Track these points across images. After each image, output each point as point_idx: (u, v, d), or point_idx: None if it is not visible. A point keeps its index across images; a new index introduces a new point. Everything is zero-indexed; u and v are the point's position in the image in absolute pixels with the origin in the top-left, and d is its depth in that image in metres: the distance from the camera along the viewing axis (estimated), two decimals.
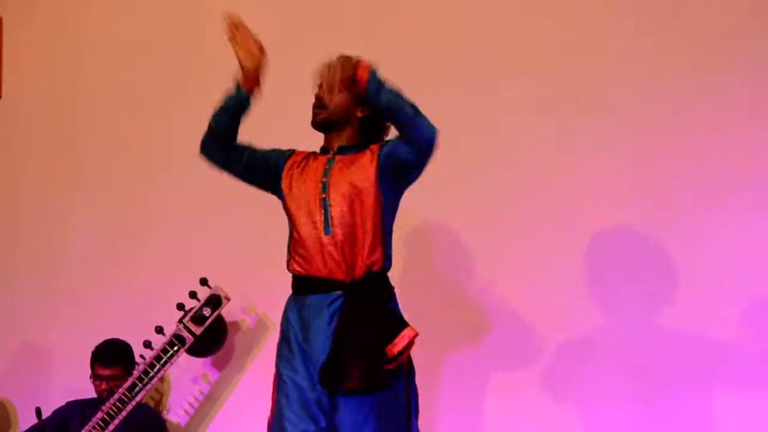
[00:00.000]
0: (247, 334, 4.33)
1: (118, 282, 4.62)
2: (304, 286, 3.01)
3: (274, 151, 3.16)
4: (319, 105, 3.05)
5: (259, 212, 4.13)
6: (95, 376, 4.20)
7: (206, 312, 4.05)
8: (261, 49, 3.02)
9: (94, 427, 4.03)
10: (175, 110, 4.68)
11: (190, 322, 4.05)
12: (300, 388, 2.94)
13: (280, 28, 4.26)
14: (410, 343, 2.90)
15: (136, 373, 4.04)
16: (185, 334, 4.05)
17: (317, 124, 3.09)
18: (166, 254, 4.55)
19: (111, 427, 4.01)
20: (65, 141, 5.00)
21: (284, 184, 3.08)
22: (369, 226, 2.96)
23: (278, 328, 3.73)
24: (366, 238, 2.96)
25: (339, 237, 2.95)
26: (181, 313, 4.06)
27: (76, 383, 4.38)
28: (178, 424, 4.39)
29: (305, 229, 2.99)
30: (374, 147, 3.06)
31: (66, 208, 4.90)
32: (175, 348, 4.05)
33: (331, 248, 2.95)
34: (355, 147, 3.07)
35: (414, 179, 3.04)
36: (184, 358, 4.13)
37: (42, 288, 4.89)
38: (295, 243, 3.03)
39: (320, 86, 2.99)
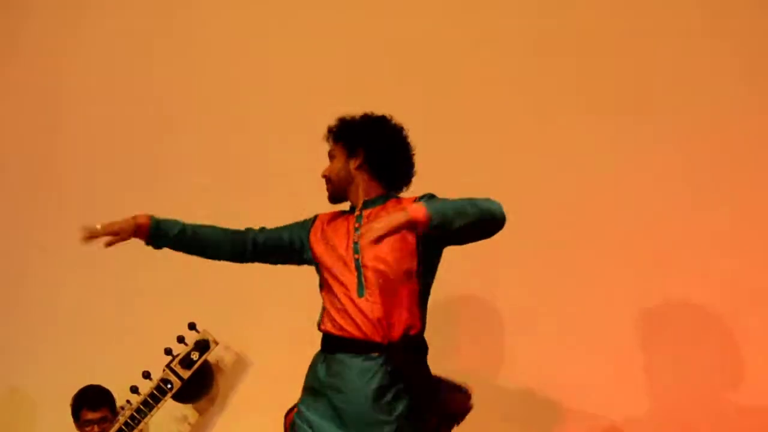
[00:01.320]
0: (227, 375, 4.37)
1: (104, 328, 4.62)
2: (335, 345, 3.01)
3: (293, 225, 3.25)
4: (327, 181, 3.21)
5: None
6: (84, 423, 4.18)
7: (194, 356, 4.09)
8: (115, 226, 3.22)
9: None
10: (159, 156, 4.74)
11: (177, 366, 4.09)
12: None
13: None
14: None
15: (122, 418, 4.05)
16: (172, 378, 4.08)
17: (331, 200, 3.21)
18: (151, 299, 4.56)
19: None
20: (49, 191, 5.01)
21: (316, 251, 3.13)
22: (405, 287, 2.97)
23: (255, 368, 3.95)
24: (402, 300, 2.96)
25: (374, 299, 2.95)
26: (169, 358, 4.07)
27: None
28: None
29: (339, 291, 3.01)
30: (407, 202, 3.05)
31: (49, 255, 4.88)
32: (162, 393, 4.07)
33: (366, 311, 2.95)
34: (380, 197, 3.13)
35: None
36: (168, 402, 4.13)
37: (24, 334, 4.85)
38: (329, 304, 3.04)
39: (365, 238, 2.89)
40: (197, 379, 4.15)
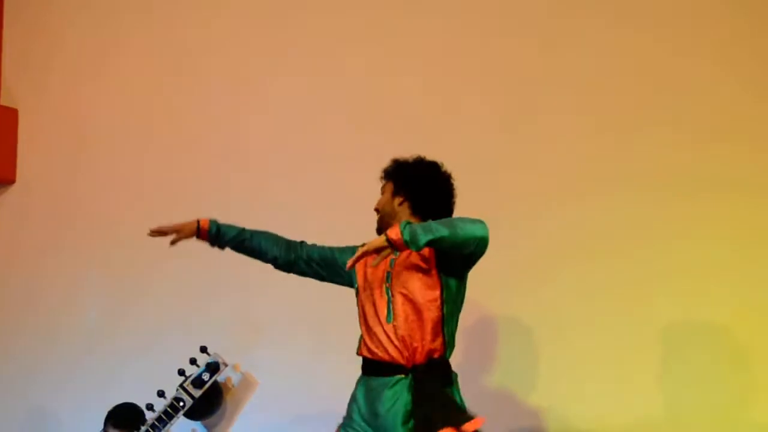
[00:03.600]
0: (233, 393, 4.60)
1: (123, 350, 4.92)
2: (371, 368, 3.24)
3: (345, 248, 3.44)
4: (377, 213, 3.42)
5: (250, 283, 4.54)
6: None
7: (205, 377, 4.35)
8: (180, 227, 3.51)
9: None
10: (175, 190, 5.03)
11: (189, 386, 4.34)
12: None
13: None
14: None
15: None
16: (185, 396, 4.34)
17: (378, 231, 3.36)
18: (168, 323, 4.84)
19: None
20: (73, 221, 5.35)
21: (359, 277, 3.34)
22: (428, 315, 3.18)
23: (262, 387, 4.22)
24: (426, 326, 3.17)
25: (399, 324, 3.18)
26: (182, 378, 4.33)
27: None
28: None
29: (372, 317, 3.24)
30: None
31: (74, 284, 5.22)
32: (175, 410, 4.32)
33: (392, 335, 3.18)
34: None
35: (475, 262, 3.23)
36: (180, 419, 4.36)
37: (50, 356, 5.17)
38: (365, 329, 3.27)
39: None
40: (208, 398, 4.41)
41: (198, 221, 3.52)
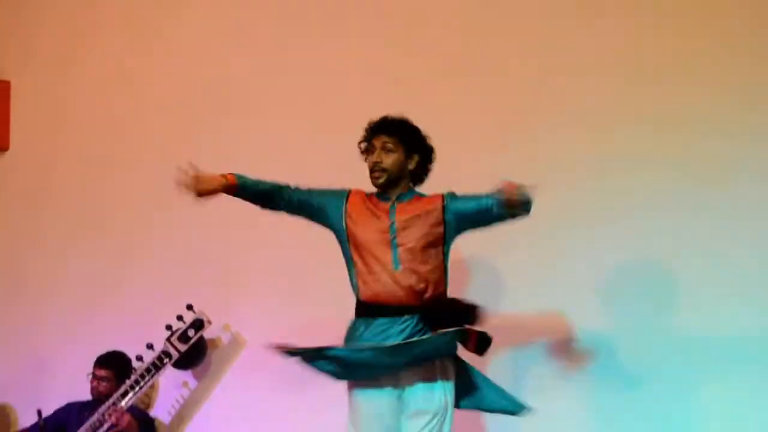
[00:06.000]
0: (223, 350, 4.87)
1: (116, 305, 5.18)
2: (374, 311, 3.39)
3: (327, 192, 3.56)
4: (378, 169, 3.49)
5: (232, 244, 4.87)
6: (93, 375, 4.80)
7: (190, 333, 4.64)
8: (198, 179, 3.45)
9: (91, 426, 4.65)
10: (162, 158, 4.99)
11: (176, 341, 4.65)
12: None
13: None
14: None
15: (129, 381, 4.65)
16: (171, 350, 4.64)
17: (380, 187, 3.51)
18: (156, 281, 5.07)
19: (105, 426, 4.63)
20: (65, 187, 5.59)
21: (350, 226, 3.47)
22: (435, 263, 3.44)
23: (248, 344, 4.47)
24: (432, 272, 3.42)
25: (407, 271, 3.39)
26: (169, 332, 4.65)
27: (74, 393, 4.92)
28: (162, 423, 4.97)
29: (375, 264, 3.41)
30: (435, 199, 3.49)
31: (64, 245, 5.46)
32: (163, 362, 4.65)
33: (401, 281, 3.37)
34: (410, 192, 3.53)
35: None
36: (170, 369, 4.68)
37: (42, 315, 5.44)
38: (367, 275, 3.41)
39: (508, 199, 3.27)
40: (193, 352, 4.70)
41: (224, 177, 3.48)
